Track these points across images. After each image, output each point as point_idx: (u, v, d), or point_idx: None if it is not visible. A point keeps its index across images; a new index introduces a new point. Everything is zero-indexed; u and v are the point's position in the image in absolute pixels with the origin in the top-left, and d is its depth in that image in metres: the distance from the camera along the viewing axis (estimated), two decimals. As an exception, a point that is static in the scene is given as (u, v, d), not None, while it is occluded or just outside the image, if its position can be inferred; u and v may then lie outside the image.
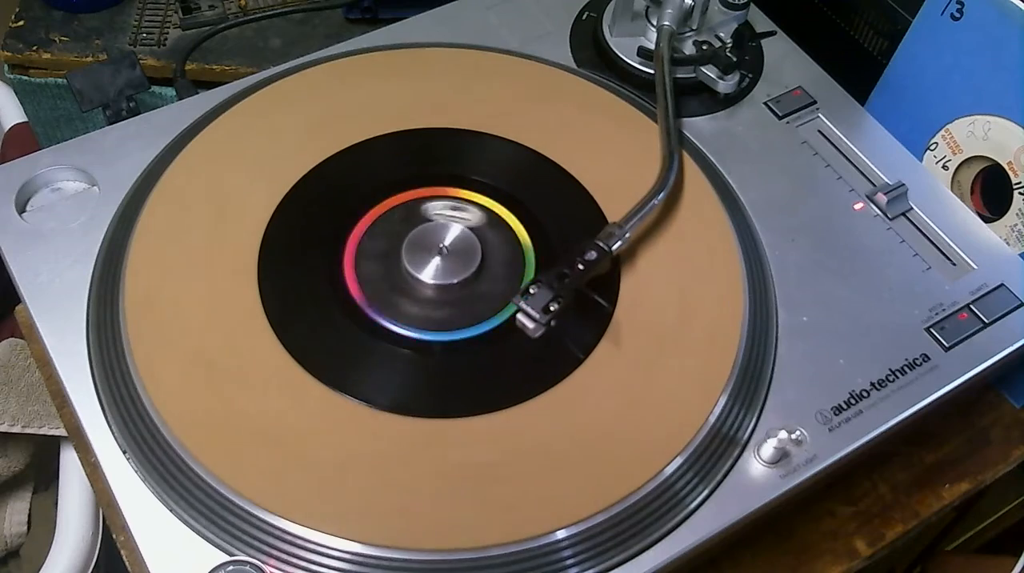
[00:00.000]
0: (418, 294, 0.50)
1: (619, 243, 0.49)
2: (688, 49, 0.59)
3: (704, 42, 0.59)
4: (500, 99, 0.58)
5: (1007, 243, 0.55)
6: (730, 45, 0.58)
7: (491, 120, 0.56)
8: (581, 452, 0.45)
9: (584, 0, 0.64)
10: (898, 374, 0.49)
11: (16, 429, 0.85)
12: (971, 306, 0.52)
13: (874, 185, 0.56)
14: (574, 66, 0.60)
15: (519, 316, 0.45)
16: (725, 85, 0.57)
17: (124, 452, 0.45)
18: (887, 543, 0.54)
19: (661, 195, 0.51)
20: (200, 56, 0.78)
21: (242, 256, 0.50)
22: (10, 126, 0.99)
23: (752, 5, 0.60)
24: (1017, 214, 0.56)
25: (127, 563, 0.50)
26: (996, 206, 0.57)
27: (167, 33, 0.80)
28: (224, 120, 0.55)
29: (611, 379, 0.47)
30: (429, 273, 0.50)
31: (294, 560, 0.42)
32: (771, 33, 0.62)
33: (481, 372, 0.48)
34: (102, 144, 0.54)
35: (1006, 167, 0.56)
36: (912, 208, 0.55)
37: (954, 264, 0.53)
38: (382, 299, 0.50)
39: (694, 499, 0.44)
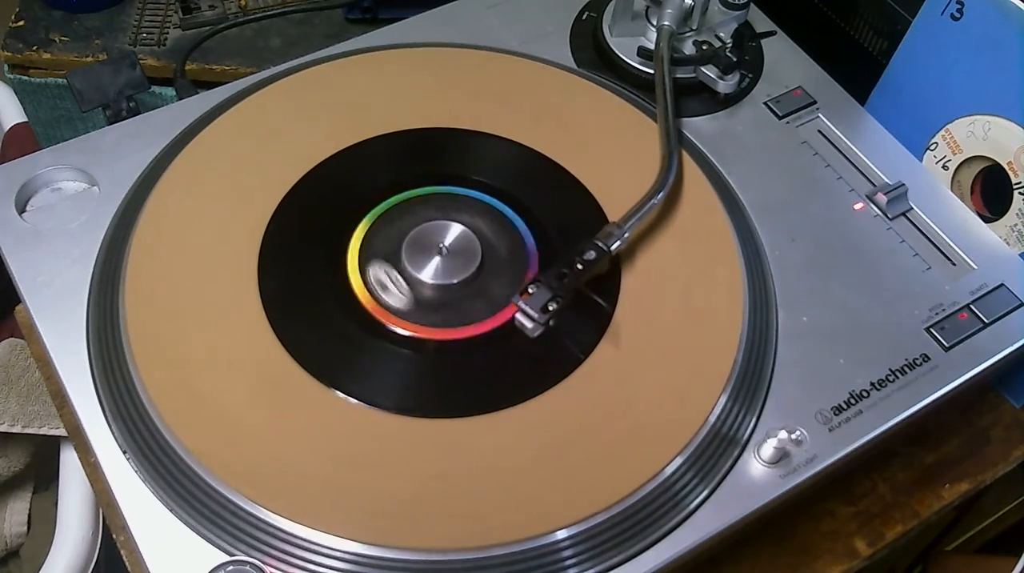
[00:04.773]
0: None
1: (618, 243, 0.49)
2: (688, 49, 0.59)
3: (704, 42, 0.59)
4: (500, 99, 0.58)
5: (1007, 243, 0.55)
6: (730, 45, 0.58)
7: (491, 120, 0.56)
8: (581, 452, 0.45)
9: (584, 0, 0.64)
10: (898, 374, 0.49)
11: (16, 429, 0.85)
12: (971, 306, 0.52)
13: (874, 185, 0.56)
14: (574, 66, 0.60)
15: (518, 316, 0.46)
16: (725, 85, 0.58)
17: (124, 452, 0.45)
18: (887, 543, 0.54)
19: (660, 195, 0.51)
20: (200, 56, 0.78)
21: (242, 256, 0.50)
22: (10, 126, 0.99)
23: (752, 5, 0.60)
24: (1017, 214, 0.56)
25: (127, 563, 0.50)
26: (996, 206, 0.57)
27: (167, 33, 0.80)
28: (224, 120, 0.55)
29: (611, 379, 0.47)
30: (429, 273, 0.50)
31: (294, 560, 0.42)
32: (771, 33, 0.62)
33: (481, 372, 0.48)
34: (102, 144, 0.54)
35: (1006, 167, 0.56)
36: (912, 208, 0.55)
37: (954, 264, 0.53)
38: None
39: (694, 499, 0.44)
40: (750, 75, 0.60)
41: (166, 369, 0.46)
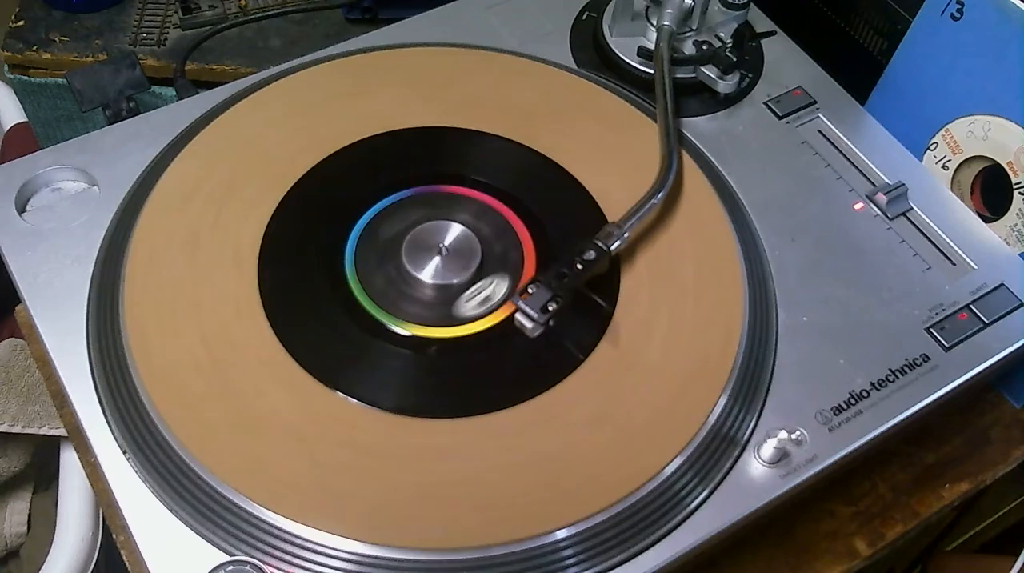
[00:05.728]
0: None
1: (618, 243, 0.49)
2: (688, 49, 0.59)
3: (704, 42, 0.59)
4: (500, 99, 0.58)
5: (1007, 243, 0.55)
6: (730, 45, 0.58)
7: (491, 120, 0.56)
8: (581, 452, 0.45)
9: (584, 0, 0.64)
10: (898, 374, 0.49)
11: (16, 429, 0.85)
12: (971, 306, 0.52)
13: (874, 185, 0.56)
14: (574, 66, 0.60)
15: (517, 315, 0.46)
16: (725, 85, 0.58)
17: (124, 452, 0.45)
18: (887, 543, 0.54)
19: (660, 195, 0.51)
20: (200, 56, 0.78)
21: (242, 256, 0.50)
22: (10, 126, 0.99)
23: (752, 5, 0.60)
24: (1017, 214, 0.56)
25: (127, 563, 0.50)
26: (996, 206, 0.57)
27: (167, 33, 0.80)
28: (224, 120, 0.55)
29: (611, 379, 0.47)
30: (429, 273, 0.50)
31: (294, 560, 0.42)
32: (771, 33, 0.62)
33: (481, 372, 0.48)
34: (102, 144, 0.54)
35: (1006, 167, 0.56)
36: (912, 208, 0.55)
37: (954, 264, 0.53)
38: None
39: (694, 499, 0.44)
40: (750, 75, 0.60)
41: (166, 369, 0.46)
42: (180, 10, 0.81)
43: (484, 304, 0.48)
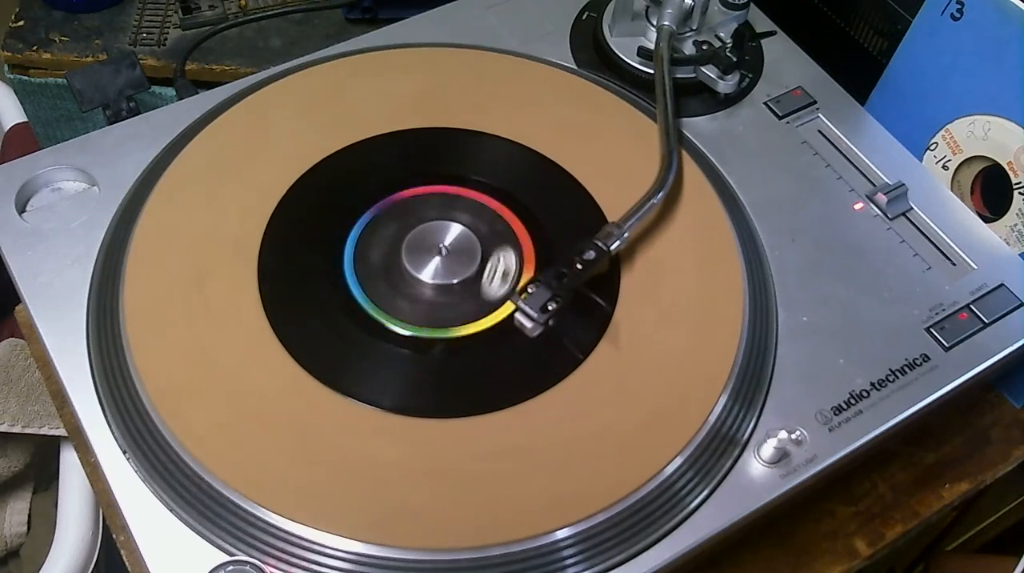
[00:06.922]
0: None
1: (618, 243, 0.49)
2: (688, 49, 0.59)
3: (704, 42, 0.59)
4: (500, 99, 0.58)
5: (1007, 243, 0.55)
6: (730, 45, 0.58)
7: (491, 120, 0.56)
8: (581, 452, 0.45)
9: (584, 0, 0.64)
10: (898, 374, 0.49)
11: (16, 429, 0.85)
12: (971, 306, 0.52)
13: (874, 185, 0.56)
14: (574, 66, 0.60)
15: (517, 315, 0.46)
16: (725, 85, 0.58)
17: (124, 452, 0.45)
18: (887, 543, 0.54)
19: (660, 195, 0.51)
20: (200, 56, 0.78)
21: (242, 256, 0.50)
22: (10, 126, 0.99)
23: (752, 5, 0.60)
24: (1017, 214, 0.56)
25: (127, 563, 0.50)
26: (996, 206, 0.57)
27: (167, 33, 0.80)
28: (224, 120, 0.55)
29: (611, 379, 0.47)
30: (429, 273, 0.50)
31: (294, 560, 0.42)
32: (771, 33, 0.62)
33: (481, 372, 0.48)
34: (102, 144, 0.54)
35: (1006, 167, 0.56)
36: (912, 208, 0.55)
37: (954, 264, 0.53)
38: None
39: (694, 499, 0.44)
40: (750, 75, 0.60)
41: (166, 369, 0.46)
42: (180, 10, 0.81)
43: (507, 278, 0.48)
